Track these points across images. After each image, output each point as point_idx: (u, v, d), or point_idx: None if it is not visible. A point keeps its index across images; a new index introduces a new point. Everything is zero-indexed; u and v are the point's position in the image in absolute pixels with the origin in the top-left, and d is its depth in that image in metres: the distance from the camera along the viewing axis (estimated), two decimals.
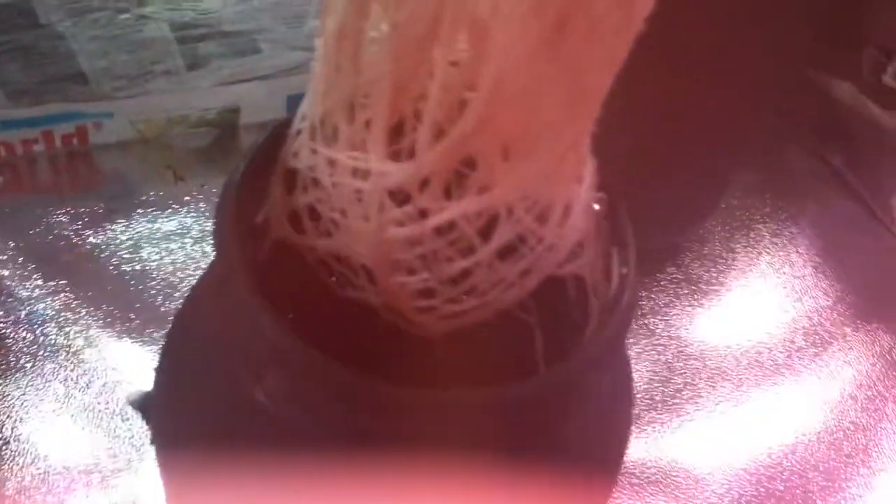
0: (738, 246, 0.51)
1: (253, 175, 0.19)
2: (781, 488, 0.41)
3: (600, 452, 0.20)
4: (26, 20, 0.39)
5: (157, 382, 0.22)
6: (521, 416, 0.17)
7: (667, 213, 0.46)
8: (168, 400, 0.21)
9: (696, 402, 0.44)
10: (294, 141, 0.19)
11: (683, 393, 0.44)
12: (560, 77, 0.16)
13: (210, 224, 0.46)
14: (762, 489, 0.41)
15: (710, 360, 0.45)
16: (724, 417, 0.43)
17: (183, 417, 0.21)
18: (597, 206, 0.19)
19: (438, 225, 0.17)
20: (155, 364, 0.40)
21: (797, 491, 0.41)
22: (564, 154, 0.18)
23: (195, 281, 0.43)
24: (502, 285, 0.18)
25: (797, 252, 0.51)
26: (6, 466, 0.36)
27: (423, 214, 0.17)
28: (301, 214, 0.19)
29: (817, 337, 0.47)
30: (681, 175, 0.45)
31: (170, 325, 0.42)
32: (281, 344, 0.16)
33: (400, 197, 0.17)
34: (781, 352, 0.46)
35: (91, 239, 0.44)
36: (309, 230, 0.19)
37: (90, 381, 0.39)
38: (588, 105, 0.17)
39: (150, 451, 0.37)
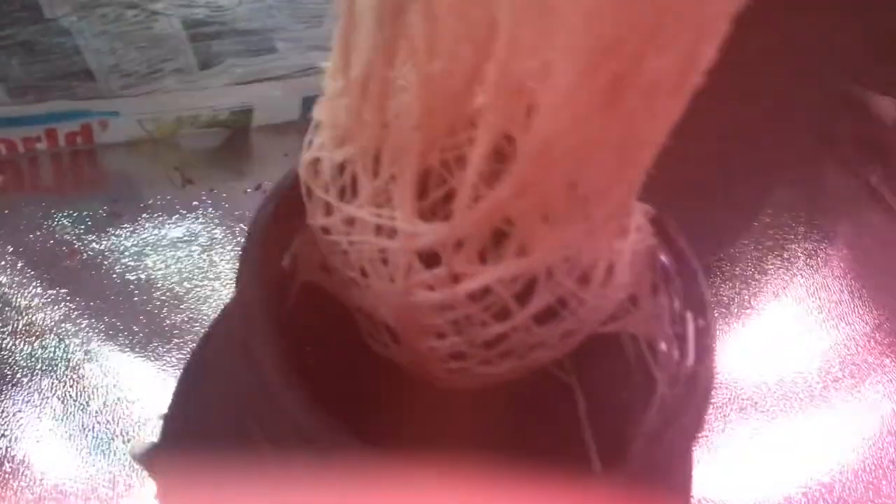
0: (770, 267, 0.48)
1: (278, 215, 0.17)
2: None
3: None
4: (30, 14, 0.36)
5: (164, 434, 0.20)
6: None
7: (698, 231, 0.44)
8: (177, 457, 0.19)
9: (728, 434, 0.41)
10: (309, 175, 0.17)
11: (713, 423, 0.42)
12: (611, 138, 0.15)
13: (219, 231, 0.43)
14: None
15: (742, 388, 0.43)
16: (756, 451, 0.41)
17: (192, 478, 0.18)
18: (662, 257, 0.17)
19: (472, 290, 0.15)
20: (159, 380, 0.38)
21: None
22: (612, 213, 0.16)
23: (203, 292, 0.41)
24: (540, 347, 0.16)
25: (833, 275, 0.48)
26: (1, 486, 0.34)
27: (456, 278, 0.15)
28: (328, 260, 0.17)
29: (855, 367, 0.45)
30: (714, 192, 0.43)
31: (175, 339, 0.40)
32: (305, 423, 0.14)
33: (428, 258, 0.15)
34: (817, 382, 0.44)
35: (94, 245, 0.42)
36: (334, 280, 0.17)
37: (90, 399, 0.37)
38: (640, 163, 0.16)
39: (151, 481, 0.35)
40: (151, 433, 0.36)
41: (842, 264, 0.49)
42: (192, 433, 0.19)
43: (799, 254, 0.49)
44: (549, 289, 0.15)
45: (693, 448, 0.17)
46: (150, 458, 0.21)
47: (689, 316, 0.16)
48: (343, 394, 0.17)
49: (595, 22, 0.13)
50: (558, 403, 0.18)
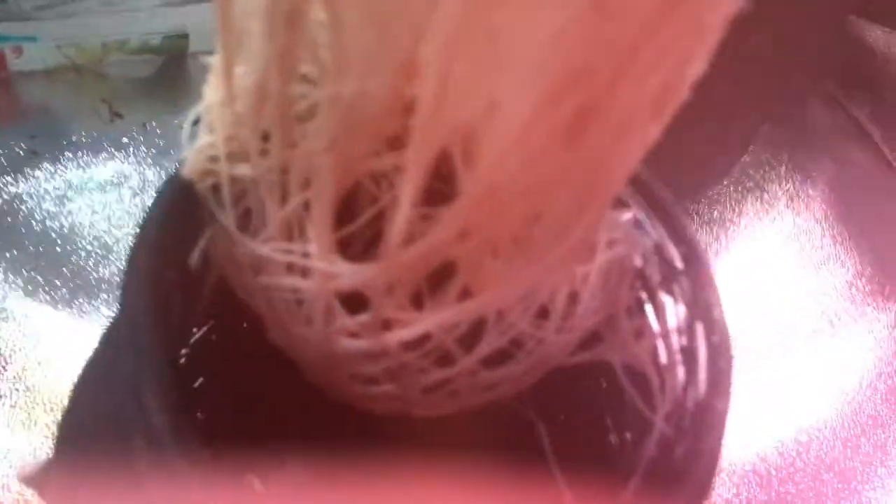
0: (750, 210, 0.45)
1: (174, 211, 0.14)
2: (793, 491, 0.37)
3: None
4: None
5: (56, 453, 0.16)
6: None
7: (677, 173, 0.41)
8: (68, 477, 0.16)
9: None
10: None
11: None
12: (573, 177, 0.13)
13: (152, 172, 0.39)
14: (772, 493, 0.37)
15: None
16: (731, 407, 0.39)
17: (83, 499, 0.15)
18: (667, 250, 0.14)
19: (405, 339, 0.12)
20: (85, 341, 0.34)
21: (809, 494, 0.37)
22: (573, 247, 0.13)
23: (132, 242, 0.38)
24: (494, 388, 0.13)
25: (815, 218, 0.46)
26: None
27: (386, 325, 0.12)
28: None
29: (835, 316, 0.42)
30: (696, 131, 0.40)
31: (103, 294, 0.36)
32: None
33: (351, 299, 0.12)
34: (794, 333, 0.42)
35: (10, 188, 0.38)
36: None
37: (7, 363, 0.33)
38: (608, 194, 0.13)
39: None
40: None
41: (824, 206, 0.46)
42: (78, 452, 0.15)
43: (780, 195, 0.46)
44: (499, 330, 0.13)
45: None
46: (39, 479, 0.17)
47: (699, 329, 0.13)
48: (263, 411, 0.14)
49: (560, 49, 0.10)
50: (522, 439, 0.15)
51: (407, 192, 0.12)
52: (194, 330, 0.17)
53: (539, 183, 0.12)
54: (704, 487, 0.13)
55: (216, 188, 0.15)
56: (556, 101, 0.11)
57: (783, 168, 0.47)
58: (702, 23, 0.11)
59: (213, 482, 0.11)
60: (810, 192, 0.47)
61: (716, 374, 0.13)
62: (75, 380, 0.18)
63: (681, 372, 0.14)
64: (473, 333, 0.14)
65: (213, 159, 0.14)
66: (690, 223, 0.15)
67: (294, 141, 0.13)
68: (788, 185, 0.47)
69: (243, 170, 0.13)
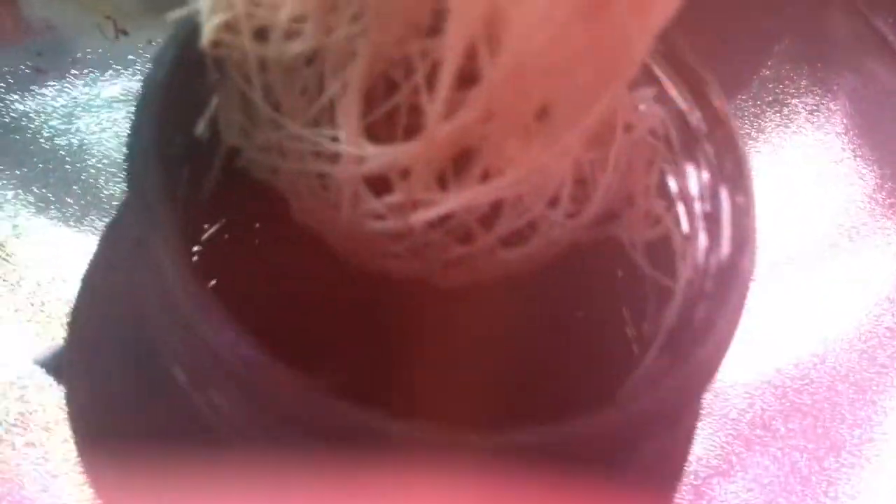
0: (769, 124, 0.45)
1: (178, 77, 0.13)
2: (808, 402, 0.37)
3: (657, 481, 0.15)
4: None
5: (69, 341, 0.16)
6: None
7: None
8: (83, 365, 0.16)
9: None
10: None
11: None
12: (595, 47, 0.13)
13: None
14: (787, 403, 0.37)
15: None
16: (747, 323, 0.39)
17: (98, 386, 0.15)
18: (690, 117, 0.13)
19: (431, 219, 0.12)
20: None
21: (825, 405, 0.37)
22: (591, 129, 0.13)
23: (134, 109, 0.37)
24: (508, 265, 0.13)
25: (835, 132, 0.45)
26: None
27: (413, 205, 0.12)
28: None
29: (853, 230, 0.42)
30: (710, 41, 0.39)
31: (114, 211, 0.36)
32: (232, 360, 0.10)
33: (376, 182, 0.12)
34: (812, 247, 0.41)
35: (17, 105, 0.37)
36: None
37: (21, 278, 0.33)
38: (626, 73, 0.13)
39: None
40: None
41: (844, 120, 0.45)
42: (94, 338, 0.15)
43: (800, 109, 0.45)
44: (516, 212, 0.13)
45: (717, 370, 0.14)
46: (58, 364, 0.18)
47: (723, 192, 0.13)
48: (281, 296, 0.14)
49: None
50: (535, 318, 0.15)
51: (445, 73, 0.12)
52: (205, 224, 0.16)
53: (561, 60, 0.13)
54: (723, 347, 0.12)
55: (225, 61, 0.14)
56: None
57: (803, 82, 0.46)
58: None
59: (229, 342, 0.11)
60: (831, 105, 0.46)
61: (741, 234, 0.13)
62: (87, 265, 0.18)
63: (703, 238, 0.13)
64: (492, 214, 0.14)
65: (231, 30, 0.14)
66: (717, 87, 0.15)
67: (329, 26, 0.13)
68: (808, 99, 0.46)
69: (270, 50, 0.13)
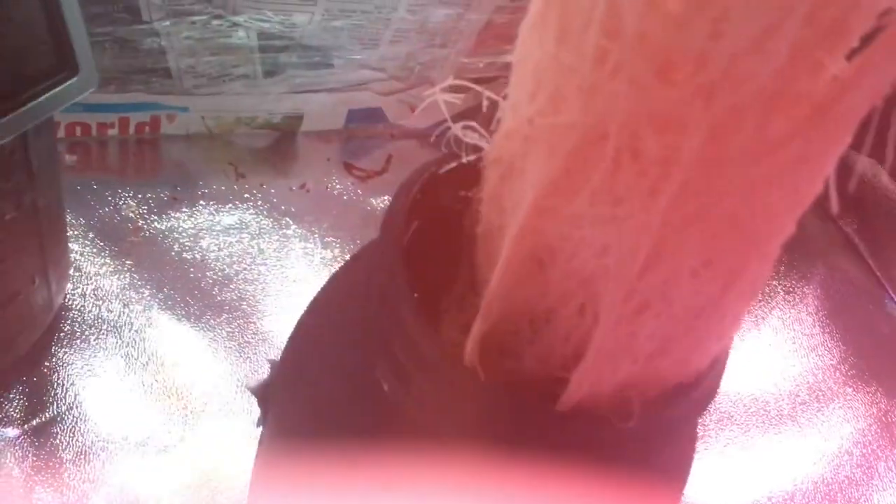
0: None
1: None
2: None
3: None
4: (130, 16, 0.41)
5: (281, 370, 0.24)
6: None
7: None
8: (290, 388, 0.24)
9: (706, 442, 0.47)
10: None
11: None
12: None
13: (267, 222, 0.48)
14: None
15: (720, 403, 0.48)
16: (730, 460, 0.46)
17: (303, 405, 0.23)
18: None
19: None
20: (210, 350, 0.42)
21: None
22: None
23: (251, 275, 0.46)
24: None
25: (807, 311, 0.54)
26: (67, 431, 0.38)
27: None
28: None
29: (820, 393, 0.50)
30: None
31: (225, 314, 0.44)
32: (444, 370, 0.18)
33: None
34: (787, 403, 0.49)
35: (156, 224, 0.47)
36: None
37: (149, 360, 0.41)
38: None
39: (202, 428, 0.39)
40: (202, 396, 0.41)
41: (815, 302, 0.54)
42: (306, 369, 0.23)
43: (778, 290, 0.55)
44: None
45: (698, 421, 0.22)
46: (263, 391, 0.25)
47: None
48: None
49: None
50: None
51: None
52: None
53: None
54: (708, 396, 0.20)
55: None
56: None
57: (782, 267, 0.56)
58: None
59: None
60: (805, 289, 0.55)
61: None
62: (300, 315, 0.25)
63: None
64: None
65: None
66: None
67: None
68: (786, 282, 0.55)
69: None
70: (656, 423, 0.20)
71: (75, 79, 0.28)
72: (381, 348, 0.20)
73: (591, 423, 0.19)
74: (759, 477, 0.46)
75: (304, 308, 0.24)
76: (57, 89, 0.27)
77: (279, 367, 0.24)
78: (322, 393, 0.23)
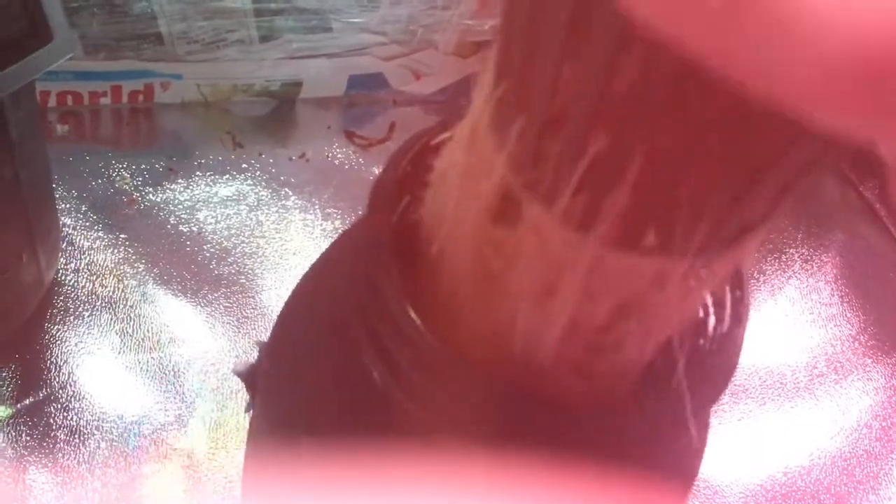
0: (769, 268, 0.52)
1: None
2: None
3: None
4: None
5: (268, 354, 0.23)
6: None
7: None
8: (277, 373, 0.22)
9: (720, 416, 0.45)
10: None
11: None
12: None
13: (266, 193, 0.47)
14: None
15: (736, 375, 0.47)
16: (746, 433, 0.45)
17: (290, 392, 0.22)
18: None
19: None
20: (207, 325, 0.41)
21: None
22: None
23: (249, 248, 0.45)
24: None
25: (825, 280, 0.52)
26: (61, 410, 0.37)
27: None
28: None
29: (839, 364, 0.49)
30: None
31: (223, 288, 0.43)
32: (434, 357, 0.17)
33: None
34: (804, 375, 0.48)
35: (150, 196, 0.45)
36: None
37: (145, 336, 0.40)
38: None
39: (199, 407, 0.38)
40: (199, 374, 0.40)
41: (834, 270, 0.53)
42: (294, 352, 0.22)
43: (796, 258, 0.53)
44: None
45: (713, 407, 0.21)
46: (250, 374, 0.24)
47: (727, 287, 0.20)
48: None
49: None
50: None
51: None
52: None
53: None
54: (722, 388, 0.19)
55: None
56: None
57: (800, 235, 0.54)
58: None
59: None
60: (823, 257, 0.53)
61: (735, 317, 0.19)
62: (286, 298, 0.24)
63: (712, 315, 0.20)
64: None
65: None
66: None
67: None
68: (804, 250, 0.53)
69: None
70: (667, 415, 0.18)
71: (50, 45, 0.26)
72: (369, 333, 0.19)
73: (591, 410, 0.17)
74: (775, 451, 0.44)
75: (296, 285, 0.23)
76: (29, 57, 0.26)
77: (266, 350, 0.23)
78: (308, 379, 0.21)
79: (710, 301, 0.21)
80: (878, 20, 0.07)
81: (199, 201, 0.46)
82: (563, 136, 0.13)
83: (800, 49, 0.08)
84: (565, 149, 0.13)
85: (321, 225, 0.46)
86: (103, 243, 0.43)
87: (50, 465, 0.36)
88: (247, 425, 0.26)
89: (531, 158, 0.14)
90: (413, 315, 0.17)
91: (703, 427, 0.22)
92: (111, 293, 0.41)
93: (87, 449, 0.37)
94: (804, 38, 0.08)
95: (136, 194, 0.45)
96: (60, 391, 0.38)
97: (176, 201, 0.45)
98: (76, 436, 0.37)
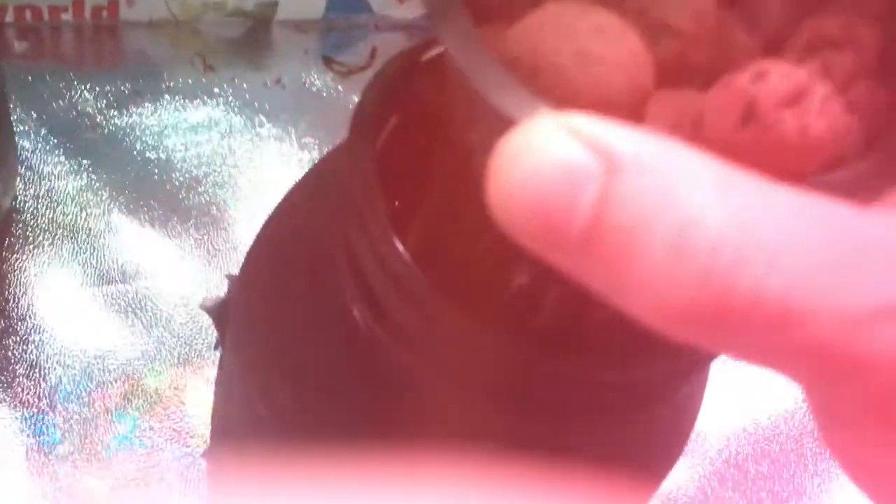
0: None
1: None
2: (777, 450, 0.42)
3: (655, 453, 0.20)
4: None
5: (239, 289, 0.21)
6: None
7: None
8: (248, 311, 0.21)
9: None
10: None
11: None
12: None
13: (238, 119, 0.44)
14: (758, 449, 0.42)
15: None
16: (729, 375, 0.44)
17: (263, 332, 0.20)
18: None
19: None
20: (176, 257, 0.39)
21: (791, 455, 0.42)
22: None
23: (221, 178, 0.42)
24: None
25: None
26: (20, 343, 0.36)
27: None
28: None
29: None
30: None
31: (192, 219, 0.41)
32: (415, 291, 0.15)
33: None
34: None
35: (115, 120, 0.43)
36: None
37: (109, 268, 0.38)
38: None
39: (166, 342, 0.37)
40: (167, 308, 0.38)
41: None
42: (266, 287, 0.20)
43: None
44: None
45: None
46: (219, 310, 0.22)
47: None
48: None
49: None
50: None
51: None
52: None
53: None
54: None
55: None
56: None
57: None
58: None
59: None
60: None
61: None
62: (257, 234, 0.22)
63: None
64: None
65: None
66: None
67: None
68: None
69: None
70: (667, 372, 0.17)
71: None
72: (350, 268, 0.17)
73: (586, 359, 0.16)
74: (759, 395, 0.44)
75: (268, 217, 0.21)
76: None
77: (237, 285, 0.21)
78: (283, 318, 0.20)
79: None
80: (689, 284, 0.10)
81: (167, 127, 0.43)
82: None
83: (636, 291, 0.11)
84: None
85: (297, 154, 0.44)
86: (65, 169, 0.40)
87: (8, 400, 0.34)
88: (215, 362, 0.25)
89: None
90: (400, 248, 0.16)
91: (703, 381, 0.21)
92: (73, 221, 0.39)
93: (48, 384, 0.35)
94: (639, 285, 0.11)
95: (99, 118, 0.42)
96: (19, 323, 0.36)
97: (143, 126, 0.43)
98: (36, 370, 0.35)
